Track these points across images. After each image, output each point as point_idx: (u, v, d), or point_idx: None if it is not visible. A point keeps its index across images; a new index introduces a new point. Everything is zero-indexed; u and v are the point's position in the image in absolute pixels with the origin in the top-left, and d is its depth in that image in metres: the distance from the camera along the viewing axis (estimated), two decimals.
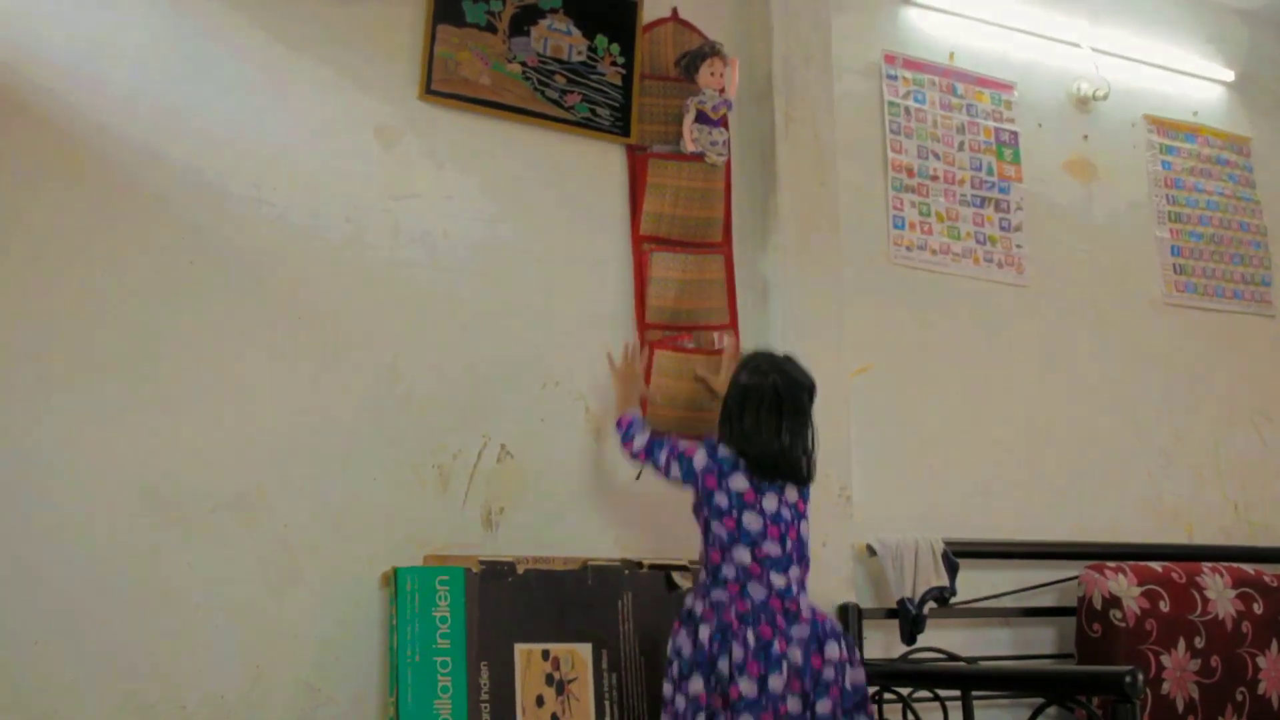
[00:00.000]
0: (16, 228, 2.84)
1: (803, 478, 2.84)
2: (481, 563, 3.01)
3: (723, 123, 3.58)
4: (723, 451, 2.83)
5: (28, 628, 2.66)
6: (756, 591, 2.70)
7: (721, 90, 3.56)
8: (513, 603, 3.00)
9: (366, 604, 2.99)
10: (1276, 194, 4.87)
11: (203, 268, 3.00)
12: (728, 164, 3.62)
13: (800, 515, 2.82)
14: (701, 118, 3.55)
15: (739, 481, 2.78)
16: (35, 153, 2.89)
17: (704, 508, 2.82)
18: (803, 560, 2.79)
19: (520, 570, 3.05)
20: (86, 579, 2.73)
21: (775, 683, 2.60)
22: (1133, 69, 4.67)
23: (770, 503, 2.78)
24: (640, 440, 2.98)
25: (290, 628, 2.91)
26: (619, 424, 3.05)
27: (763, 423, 2.80)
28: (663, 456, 2.92)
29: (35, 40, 2.95)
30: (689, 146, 3.52)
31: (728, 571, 2.73)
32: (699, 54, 3.57)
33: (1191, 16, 4.89)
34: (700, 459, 2.84)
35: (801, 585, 2.76)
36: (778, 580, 2.71)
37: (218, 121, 3.10)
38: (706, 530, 2.81)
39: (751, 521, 2.75)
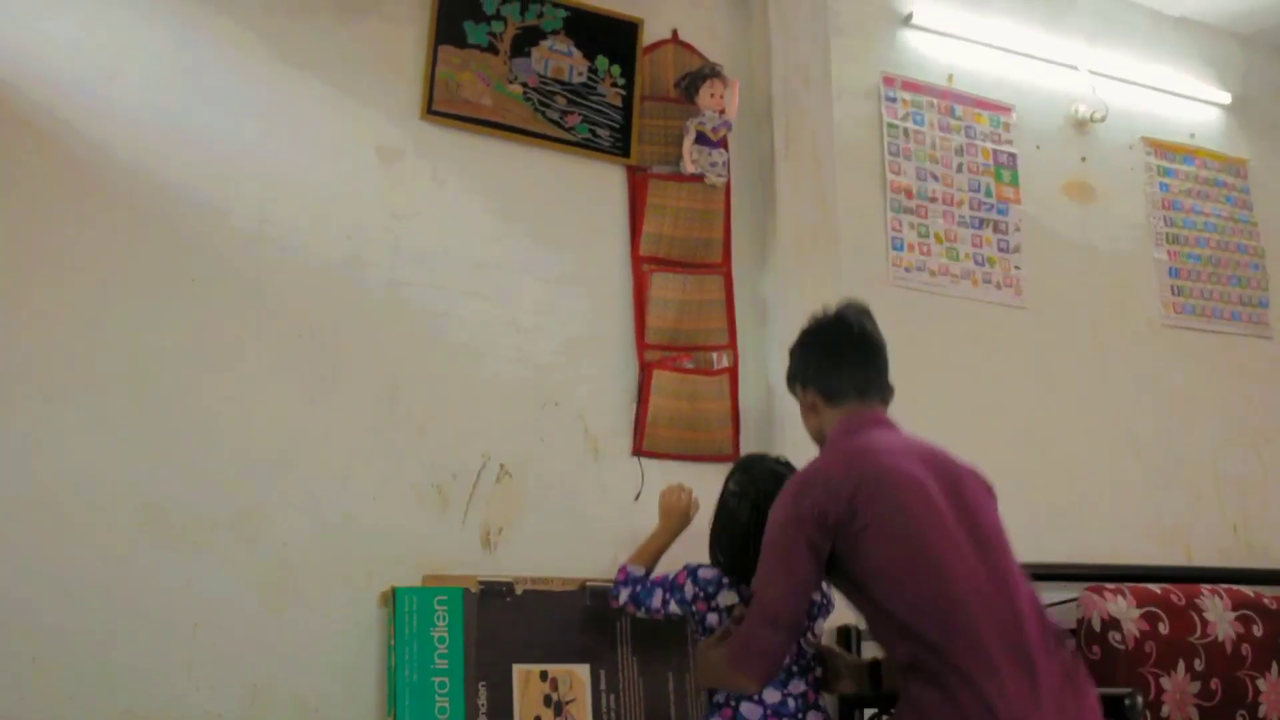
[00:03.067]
0: (19, 245, 2.86)
1: None
2: (480, 583, 3.01)
3: (722, 144, 3.60)
4: (704, 574, 2.74)
5: (26, 645, 2.66)
6: (751, 712, 2.52)
7: (721, 111, 3.58)
8: (511, 623, 3.00)
9: (365, 623, 2.99)
10: (1273, 216, 4.89)
11: (204, 286, 3.02)
12: (727, 185, 3.63)
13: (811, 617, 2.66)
14: (701, 139, 3.57)
15: (727, 597, 2.68)
16: (38, 172, 2.91)
17: (699, 632, 2.74)
18: (807, 672, 2.60)
19: (519, 590, 3.05)
20: (85, 596, 2.74)
21: None
22: (1130, 91, 4.70)
23: None
24: (627, 593, 2.89)
25: (288, 646, 2.90)
26: (619, 573, 2.96)
27: (747, 539, 2.59)
28: (656, 600, 2.82)
29: (39, 60, 2.97)
30: (689, 168, 3.54)
31: (719, 696, 2.58)
32: (699, 75, 3.59)
33: (1188, 39, 4.92)
34: (688, 588, 2.75)
35: (807, 702, 2.56)
36: (770, 696, 2.52)
37: (220, 140, 3.12)
38: None
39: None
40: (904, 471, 2.30)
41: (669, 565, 2.92)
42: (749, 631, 2.35)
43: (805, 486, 2.34)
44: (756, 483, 2.71)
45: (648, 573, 2.95)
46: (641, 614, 2.88)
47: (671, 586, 2.80)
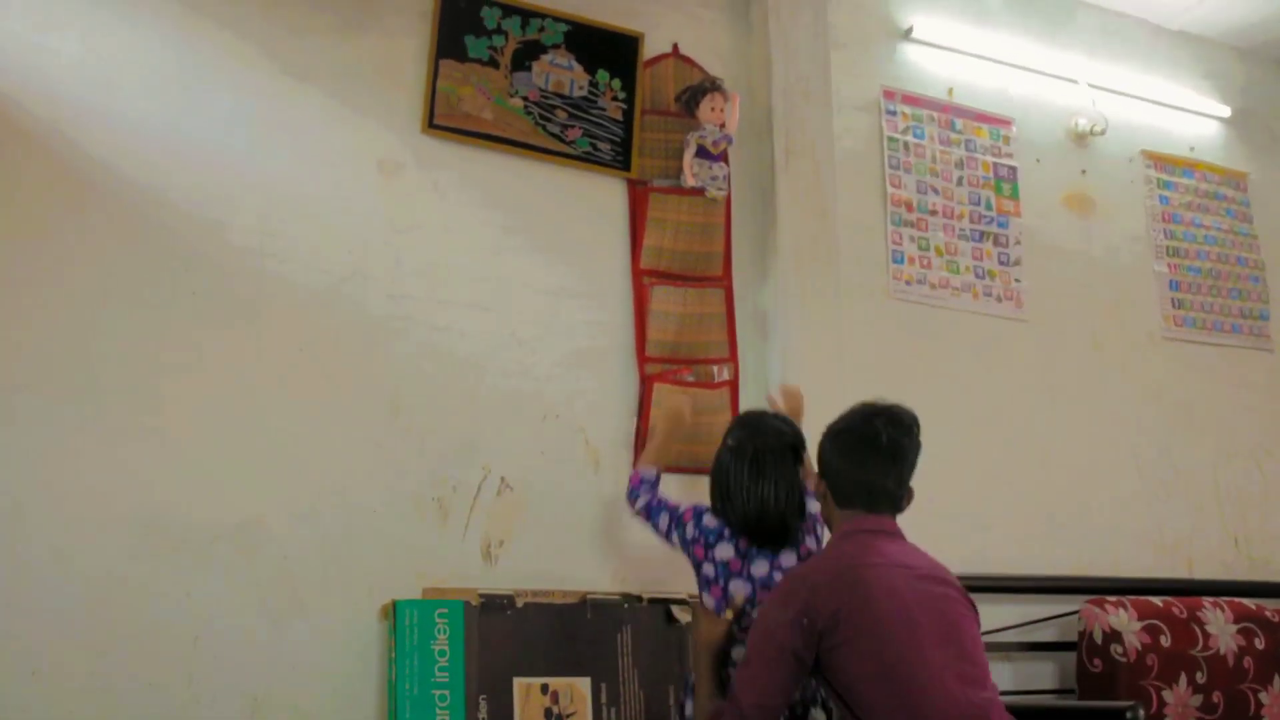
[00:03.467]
0: (18, 258, 2.87)
1: (786, 539, 2.70)
2: (481, 596, 3.02)
3: (723, 158, 3.61)
4: (707, 520, 2.76)
5: (26, 657, 2.66)
6: None
7: (722, 125, 3.59)
8: (512, 636, 3.00)
9: (365, 636, 2.99)
10: (1273, 229, 4.90)
11: (204, 299, 3.03)
12: (728, 198, 3.64)
13: None
14: (702, 152, 3.57)
15: (724, 550, 2.70)
16: (38, 184, 2.93)
17: (696, 576, 2.77)
18: None
19: (520, 603, 3.05)
20: (84, 608, 2.74)
21: None
22: (1130, 105, 4.71)
23: (760, 568, 2.68)
24: (643, 500, 2.95)
25: (288, 659, 2.90)
26: (632, 478, 3.04)
27: (743, 487, 2.67)
28: (663, 522, 2.87)
29: (40, 73, 2.99)
30: (689, 181, 3.55)
31: None
32: (699, 89, 3.60)
33: (1188, 53, 4.93)
34: (690, 529, 2.78)
35: None
36: None
37: (220, 154, 3.14)
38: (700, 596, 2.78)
39: (738, 589, 2.66)
40: (890, 590, 2.31)
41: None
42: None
43: (794, 589, 2.37)
44: (755, 438, 2.74)
45: (659, 476, 3.02)
46: (650, 529, 2.92)
47: (677, 521, 2.84)
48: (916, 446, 2.57)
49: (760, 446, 2.71)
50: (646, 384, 3.45)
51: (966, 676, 2.27)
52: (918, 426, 2.57)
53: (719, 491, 2.75)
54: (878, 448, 2.50)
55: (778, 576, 2.63)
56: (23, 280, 2.86)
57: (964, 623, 2.39)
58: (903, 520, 2.60)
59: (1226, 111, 4.92)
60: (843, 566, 2.36)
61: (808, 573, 2.41)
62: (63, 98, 3.00)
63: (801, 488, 2.75)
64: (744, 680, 2.35)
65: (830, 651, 2.27)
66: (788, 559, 2.69)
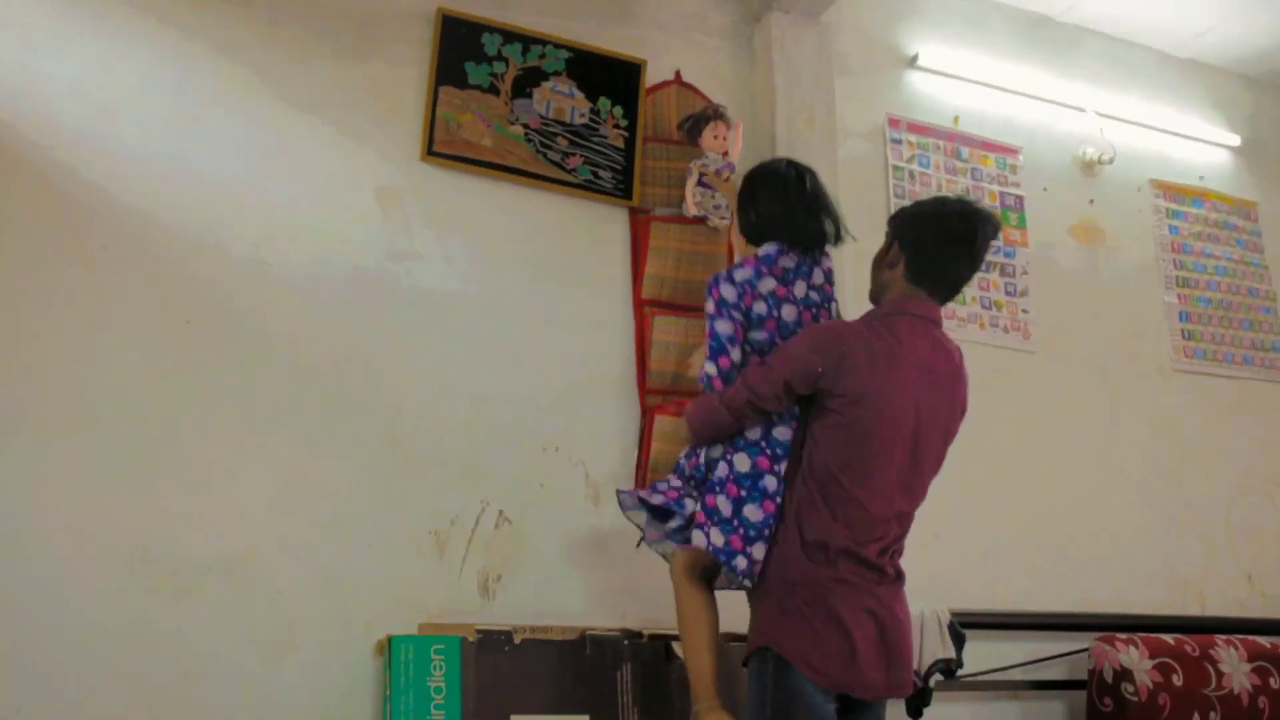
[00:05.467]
0: (13, 286, 2.86)
1: (832, 238, 2.85)
2: (478, 631, 2.99)
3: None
4: (741, 274, 2.75)
5: (10, 694, 2.64)
6: None
7: (725, 153, 3.58)
8: (510, 672, 2.97)
9: (360, 672, 2.96)
10: None
11: (200, 327, 3.02)
12: (730, 227, 3.63)
13: (828, 297, 2.84)
14: (704, 181, 3.56)
15: (767, 283, 2.74)
16: (35, 212, 2.93)
17: (751, 330, 2.74)
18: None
19: (518, 639, 3.02)
20: (73, 643, 2.71)
21: None
22: (1138, 134, 4.72)
23: (799, 289, 2.78)
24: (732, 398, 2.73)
25: (281, 695, 2.88)
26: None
27: (785, 198, 2.82)
28: (724, 367, 2.73)
29: (37, 99, 2.99)
30: (691, 210, 3.54)
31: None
32: (702, 117, 3.60)
33: (1196, 82, 4.94)
34: (729, 293, 2.73)
35: None
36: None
37: (219, 180, 3.14)
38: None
39: (788, 314, 2.74)
40: (899, 405, 2.55)
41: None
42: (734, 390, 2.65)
43: (831, 344, 2.58)
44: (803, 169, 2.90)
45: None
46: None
47: (724, 311, 2.73)
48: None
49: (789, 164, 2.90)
50: (648, 415, 3.43)
51: (908, 486, 2.61)
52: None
53: (800, 194, 2.83)
54: (973, 251, 2.68)
55: (814, 295, 2.81)
56: (17, 309, 2.85)
57: (945, 436, 2.68)
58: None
59: (1236, 140, 4.93)
60: (879, 352, 2.56)
61: (848, 334, 2.61)
62: (60, 124, 3.01)
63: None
64: (749, 376, 2.63)
65: (823, 405, 2.56)
66: (818, 276, 2.83)
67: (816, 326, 2.72)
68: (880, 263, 2.77)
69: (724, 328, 2.71)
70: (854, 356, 2.53)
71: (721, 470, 2.68)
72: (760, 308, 2.71)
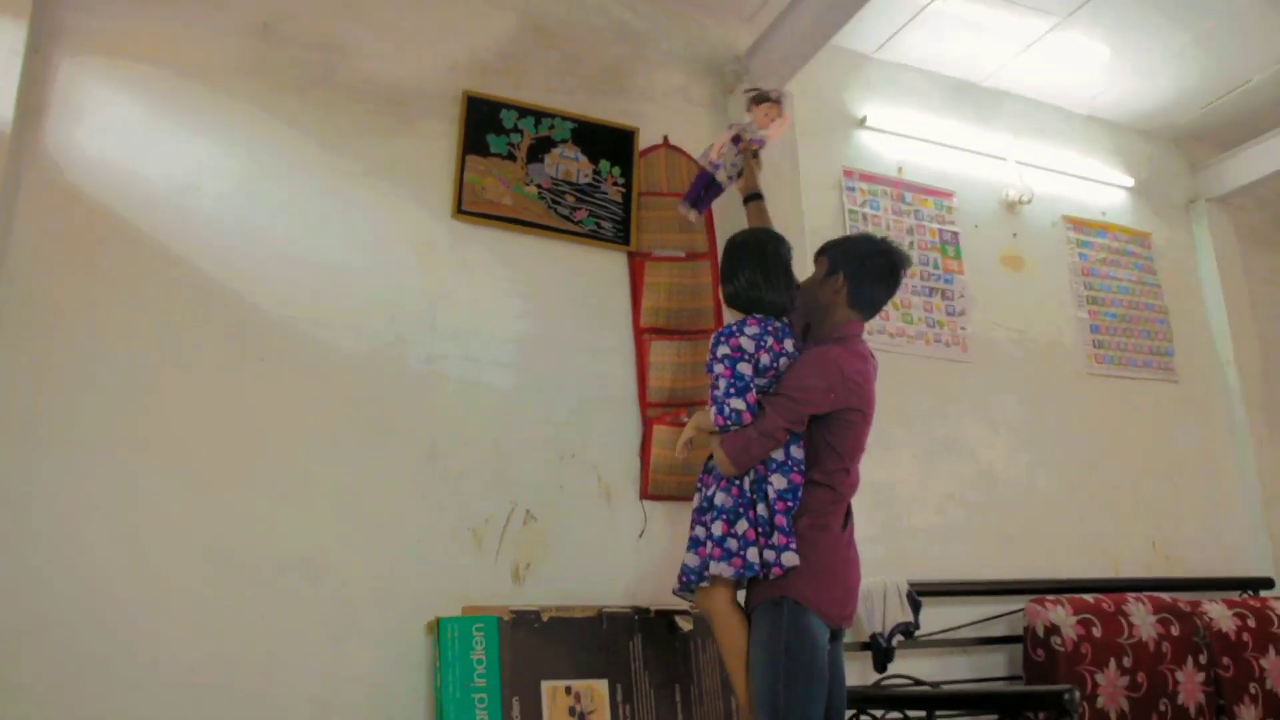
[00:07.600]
0: (119, 335, 2.88)
1: (790, 307, 2.81)
2: (512, 612, 2.99)
3: (716, 193, 3.41)
4: (751, 330, 2.70)
5: (123, 670, 2.65)
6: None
7: (764, 129, 3.34)
8: (539, 646, 2.97)
9: (414, 649, 2.97)
10: (1174, 279, 4.94)
11: (271, 364, 3.03)
12: (713, 261, 3.63)
13: (797, 353, 2.77)
14: (736, 142, 3.32)
15: (768, 340, 2.70)
16: (134, 278, 2.94)
17: (757, 377, 2.68)
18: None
19: (545, 618, 3.02)
20: (173, 632, 2.72)
21: None
22: (1052, 178, 4.75)
23: (789, 345, 2.74)
24: (750, 432, 2.66)
25: (348, 669, 2.89)
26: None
27: (764, 270, 2.77)
28: (742, 405, 2.65)
29: (133, 176, 3.01)
30: (713, 155, 3.31)
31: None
32: (766, 95, 3.36)
33: (1099, 134, 4.97)
34: (747, 344, 2.67)
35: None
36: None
37: (283, 240, 3.15)
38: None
39: (784, 365, 2.71)
40: (870, 393, 2.72)
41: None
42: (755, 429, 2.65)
43: (829, 366, 2.66)
44: (779, 242, 2.87)
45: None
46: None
47: (744, 356, 2.67)
48: None
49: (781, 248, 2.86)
50: (648, 425, 3.43)
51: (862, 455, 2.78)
52: None
53: (776, 270, 2.78)
54: (896, 279, 2.83)
55: (795, 353, 2.76)
56: (125, 353, 2.87)
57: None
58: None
59: (1131, 182, 4.96)
60: (855, 368, 2.68)
61: (835, 356, 2.68)
62: (152, 197, 3.01)
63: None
64: (778, 408, 2.62)
65: (836, 417, 2.66)
66: (789, 345, 2.76)
67: (812, 356, 2.70)
68: (819, 287, 2.83)
69: (745, 369, 2.66)
70: (848, 373, 2.65)
71: (720, 499, 2.64)
72: (765, 359, 2.69)
